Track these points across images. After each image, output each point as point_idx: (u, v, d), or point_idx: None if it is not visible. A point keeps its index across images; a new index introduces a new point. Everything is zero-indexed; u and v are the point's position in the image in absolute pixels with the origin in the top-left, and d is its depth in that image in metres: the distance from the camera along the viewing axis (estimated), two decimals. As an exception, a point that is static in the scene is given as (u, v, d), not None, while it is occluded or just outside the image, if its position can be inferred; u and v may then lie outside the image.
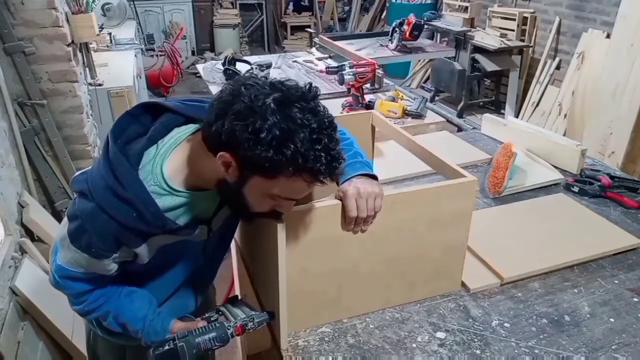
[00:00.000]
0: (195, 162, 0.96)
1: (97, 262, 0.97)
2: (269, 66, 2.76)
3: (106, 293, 1.07)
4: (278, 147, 0.81)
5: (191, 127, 1.00)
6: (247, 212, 0.95)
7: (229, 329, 1.03)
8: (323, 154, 0.83)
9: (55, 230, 2.25)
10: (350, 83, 2.43)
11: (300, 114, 0.82)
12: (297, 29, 7.76)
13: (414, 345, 1.09)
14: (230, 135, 0.83)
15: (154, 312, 1.10)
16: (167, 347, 0.98)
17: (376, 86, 2.76)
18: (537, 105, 4.61)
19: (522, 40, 4.89)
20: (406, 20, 3.73)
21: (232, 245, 1.88)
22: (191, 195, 0.97)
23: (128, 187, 0.91)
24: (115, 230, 0.92)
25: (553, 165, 1.84)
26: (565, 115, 4.24)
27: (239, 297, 1.18)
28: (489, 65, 4.66)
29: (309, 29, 4.57)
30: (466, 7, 5.06)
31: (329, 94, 2.73)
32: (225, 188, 0.93)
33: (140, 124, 1.00)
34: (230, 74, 2.98)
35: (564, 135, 3.95)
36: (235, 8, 7.40)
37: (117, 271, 1.03)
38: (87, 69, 2.93)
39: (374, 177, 1.06)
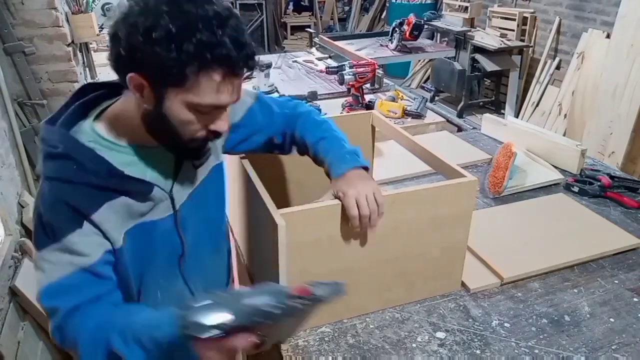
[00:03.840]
0: (122, 111, 0.91)
1: (67, 247, 0.85)
2: (268, 66, 2.76)
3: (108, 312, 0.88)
4: (178, 44, 0.77)
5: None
6: (183, 143, 0.89)
7: (284, 290, 0.76)
8: (228, 39, 0.80)
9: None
10: (350, 83, 2.43)
11: (194, 7, 0.79)
12: (297, 29, 7.77)
13: (414, 345, 1.09)
14: (129, 47, 0.79)
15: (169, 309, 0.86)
16: (221, 322, 0.71)
17: (376, 86, 2.76)
18: (537, 105, 4.62)
19: (522, 40, 4.89)
20: (406, 20, 3.73)
21: (232, 245, 1.89)
22: (134, 148, 0.92)
23: (60, 143, 0.87)
24: (62, 193, 0.85)
25: (553, 165, 1.84)
26: (565, 115, 4.24)
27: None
28: (489, 65, 4.66)
29: (309, 29, 4.57)
30: (466, 7, 5.06)
31: (329, 94, 2.73)
32: (149, 120, 0.88)
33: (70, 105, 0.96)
34: (230, 74, 2.97)
35: (564, 135, 3.95)
36: (236, 8, 7.40)
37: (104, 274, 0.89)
38: (87, 69, 2.93)
39: (365, 168, 1.05)
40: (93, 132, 0.91)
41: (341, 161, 1.05)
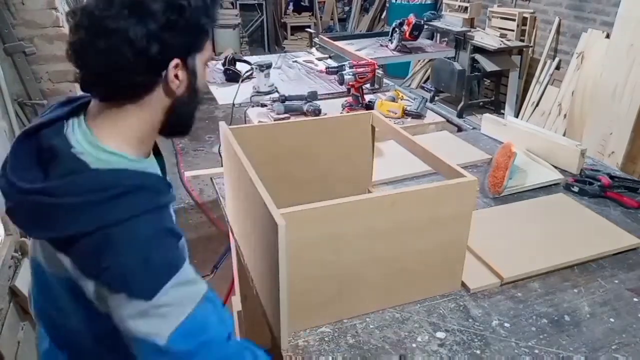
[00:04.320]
0: (122, 126, 0.83)
1: (185, 279, 0.77)
2: (269, 66, 2.76)
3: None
4: (191, 10, 0.80)
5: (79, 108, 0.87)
6: (194, 114, 0.92)
7: None
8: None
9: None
10: (350, 83, 2.43)
11: None
12: (297, 29, 7.77)
13: (414, 345, 1.09)
14: (158, 37, 0.77)
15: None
16: None
17: (376, 86, 2.76)
18: (537, 105, 4.62)
19: (522, 41, 4.89)
20: (406, 21, 3.73)
21: (232, 245, 1.89)
22: (144, 159, 0.88)
23: (125, 180, 0.78)
24: (159, 221, 0.79)
25: (553, 165, 1.84)
26: (565, 115, 4.24)
27: None
28: (488, 66, 4.66)
29: (309, 29, 4.57)
30: (466, 8, 5.06)
31: (329, 94, 2.73)
32: (180, 107, 0.87)
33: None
34: (230, 74, 2.98)
35: (564, 135, 3.95)
36: (235, 8, 7.39)
37: None
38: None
39: None
40: (120, 156, 0.82)
41: None
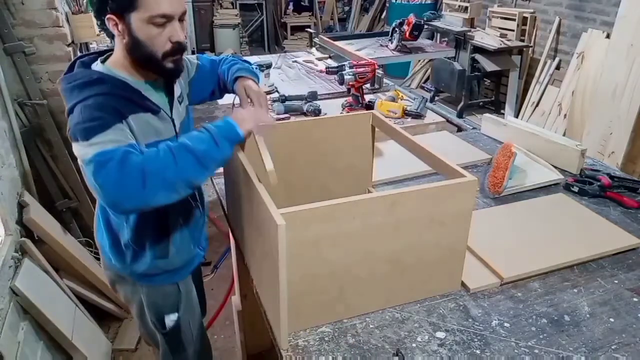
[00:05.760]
0: (118, 57, 1.22)
1: (116, 131, 1.09)
2: (269, 66, 2.76)
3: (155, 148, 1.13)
4: None
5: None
6: (161, 62, 1.19)
7: None
8: None
9: (54, 231, 2.25)
10: (350, 83, 2.43)
11: None
12: (297, 29, 7.77)
13: (414, 345, 1.09)
14: None
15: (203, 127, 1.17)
16: None
17: (376, 86, 2.76)
18: (537, 105, 4.62)
19: (522, 41, 4.89)
20: (406, 21, 3.74)
21: (232, 245, 1.89)
22: (146, 82, 1.24)
23: (93, 74, 1.17)
24: (105, 100, 1.12)
25: (553, 165, 1.84)
26: (565, 115, 4.24)
27: None
28: (488, 66, 4.66)
29: (309, 29, 4.58)
30: (466, 7, 5.06)
31: (329, 94, 2.73)
32: (131, 51, 1.18)
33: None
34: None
35: (564, 135, 3.95)
36: (235, 8, 7.40)
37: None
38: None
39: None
40: (109, 71, 1.21)
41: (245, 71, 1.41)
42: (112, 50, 1.27)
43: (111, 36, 1.22)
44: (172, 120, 1.31)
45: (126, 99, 1.17)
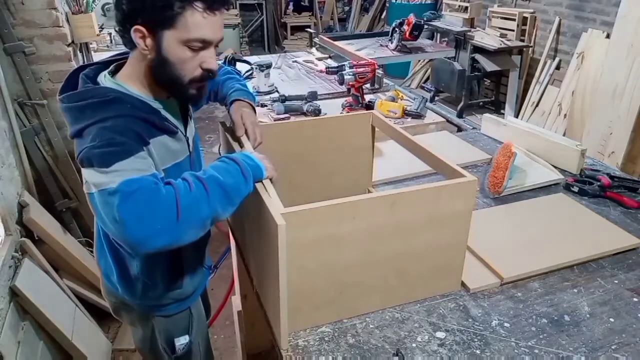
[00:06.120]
0: (133, 71, 1.11)
1: (139, 159, 0.99)
2: (269, 66, 2.76)
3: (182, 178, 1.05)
4: None
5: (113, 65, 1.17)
6: (185, 86, 1.09)
7: None
8: None
9: (54, 231, 2.25)
10: (350, 83, 2.43)
11: None
12: (297, 29, 7.78)
13: (414, 345, 1.09)
14: (129, 5, 1.01)
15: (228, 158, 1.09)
16: None
17: (376, 86, 2.76)
18: (537, 105, 4.62)
19: (522, 41, 4.89)
20: (406, 21, 3.73)
21: (232, 245, 1.89)
22: (152, 98, 1.12)
23: (110, 93, 1.05)
24: (127, 124, 1.01)
25: (553, 165, 1.84)
26: (565, 115, 4.24)
27: None
28: (488, 66, 4.66)
29: (309, 29, 4.57)
30: (466, 7, 5.06)
31: (329, 94, 2.73)
32: (155, 69, 1.07)
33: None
34: (230, 74, 2.98)
35: (564, 135, 3.95)
36: (235, 8, 7.40)
37: None
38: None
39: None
40: (123, 88, 1.09)
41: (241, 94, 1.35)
42: (116, 60, 1.18)
43: (130, 46, 1.09)
44: (187, 139, 1.23)
45: (146, 122, 1.06)
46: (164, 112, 1.14)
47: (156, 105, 1.12)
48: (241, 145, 1.25)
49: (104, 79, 1.12)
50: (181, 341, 1.39)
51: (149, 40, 1.03)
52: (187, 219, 0.95)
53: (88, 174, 0.98)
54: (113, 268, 1.28)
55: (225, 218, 1.06)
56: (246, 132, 1.26)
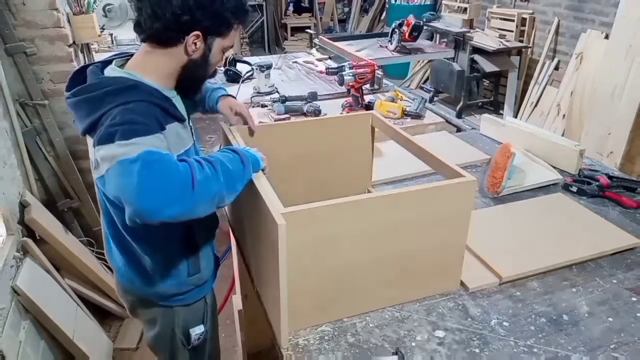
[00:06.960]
0: (151, 62, 1.17)
1: (157, 140, 1.03)
2: (269, 67, 2.77)
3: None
4: (230, 4, 1.13)
5: (119, 60, 1.22)
6: (201, 82, 1.27)
7: None
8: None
9: (56, 231, 2.26)
10: (350, 84, 2.44)
11: None
12: (297, 30, 7.78)
13: (414, 344, 1.10)
14: (188, 10, 1.08)
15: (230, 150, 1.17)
16: None
17: (376, 87, 2.77)
18: (536, 105, 4.63)
19: (521, 41, 4.90)
20: (405, 21, 3.74)
21: (233, 244, 1.89)
22: (162, 88, 1.18)
23: (127, 80, 1.12)
24: (148, 107, 1.08)
25: (552, 165, 1.85)
26: (564, 115, 4.25)
27: None
28: (487, 66, 4.67)
29: (309, 30, 4.57)
30: (465, 8, 5.07)
31: (328, 94, 2.74)
32: (193, 67, 1.18)
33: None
34: (231, 74, 2.99)
35: (563, 135, 3.96)
36: (235, 9, 7.39)
37: None
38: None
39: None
40: (135, 77, 1.14)
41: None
42: (117, 57, 1.22)
43: (164, 43, 1.14)
44: (191, 128, 1.30)
45: (162, 108, 1.12)
46: (174, 101, 1.21)
47: (169, 93, 1.20)
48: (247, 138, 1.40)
49: (113, 72, 1.17)
50: (196, 331, 1.42)
51: (199, 44, 1.15)
52: (200, 192, 1.00)
53: (107, 150, 0.99)
54: (125, 261, 1.31)
55: (227, 203, 1.11)
56: (243, 118, 1.42)
